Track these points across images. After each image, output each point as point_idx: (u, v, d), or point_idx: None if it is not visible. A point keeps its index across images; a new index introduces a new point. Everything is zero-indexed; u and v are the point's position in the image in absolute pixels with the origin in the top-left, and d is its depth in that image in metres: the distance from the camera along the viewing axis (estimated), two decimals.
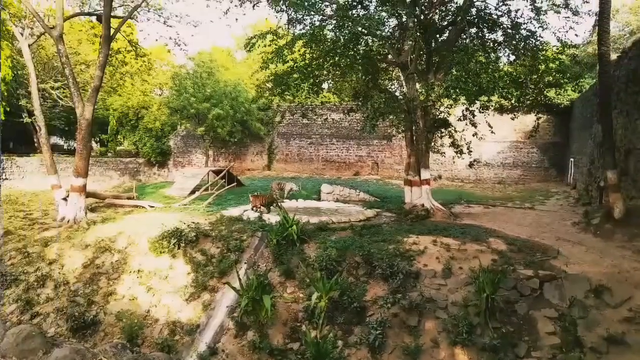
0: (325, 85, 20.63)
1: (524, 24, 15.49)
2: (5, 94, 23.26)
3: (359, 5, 16.16)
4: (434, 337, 9.31)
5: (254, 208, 17.36)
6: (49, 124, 24.52)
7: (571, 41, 15.66)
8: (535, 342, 8.61)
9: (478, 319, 9.20)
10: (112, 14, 17.70)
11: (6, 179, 26.44)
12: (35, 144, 32.94)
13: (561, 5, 14.81)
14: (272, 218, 15.18)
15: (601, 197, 14.98)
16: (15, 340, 5.21)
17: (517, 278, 9.80)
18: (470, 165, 19.47)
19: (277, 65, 16.57)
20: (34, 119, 20.30)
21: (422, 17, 15.92)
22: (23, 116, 29.57)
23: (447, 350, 9.01)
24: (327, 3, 16.08)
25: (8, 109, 24.51)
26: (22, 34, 18.79)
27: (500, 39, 16.31)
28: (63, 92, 27.41)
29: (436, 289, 10.33)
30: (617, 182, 12.29)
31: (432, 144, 17.73)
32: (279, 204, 17.72)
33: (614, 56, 14.19)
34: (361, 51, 16.12)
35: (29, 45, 18.96)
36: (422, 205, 16.43)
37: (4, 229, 15.85)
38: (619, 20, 30.99)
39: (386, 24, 16.17)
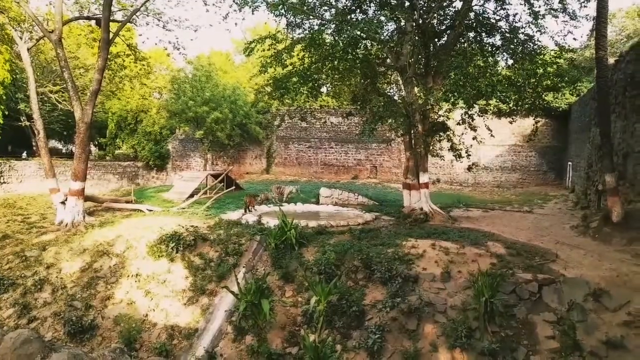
0: (324, 89, 20.58)
1: (522, 28, 15.59)
2: (4, 97, 23.26)
3: (358, 10, 16.21)
4: (433, 341, 9.28)
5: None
6: (47, 128, 24.50)
7: (569, 45, 15.74)
8: (534, 346, 8.59)
9: (477, 323, 9.19)
10: (111, 18, 17.73)
11: (4, 182, 26.36)
12: (34, 148, 32.94)
13: (559, 10, 14.89)
14: (271, 222, 15.16)
15: (599, 200, 14.99)
16: (13, 345, 5.16)
17: (516, 282, 9.78)
18: (469, 168, 19.46)
19: (276, 69, 16.60)
20: (33, 122, 20.28)
21: (420, 21, 15.97)
22: (22, 120, 29.61)
23: (446, 354, 8.98)
24: (326, 7, 16.12)
25: (7, 113, 24.58)
26: (21, 38, 18.86)
27: (499, 43, 16.40)
28: (62, 96, 27.42)
29: (435, 292, 10.32)
30: (615, 186, 12.31)
31: (431, 147, 17.73)
32: (255, 208, 18.77)
33: (611, 60, 14.25)
34: (360, 55, 16.16)
35: (28, 49, 19.02)
36: (421, 208, 16.43)
37: (2, 233, 15.81)
38: (616, 25, 31.18)
39: (385, 28, 16.24)
